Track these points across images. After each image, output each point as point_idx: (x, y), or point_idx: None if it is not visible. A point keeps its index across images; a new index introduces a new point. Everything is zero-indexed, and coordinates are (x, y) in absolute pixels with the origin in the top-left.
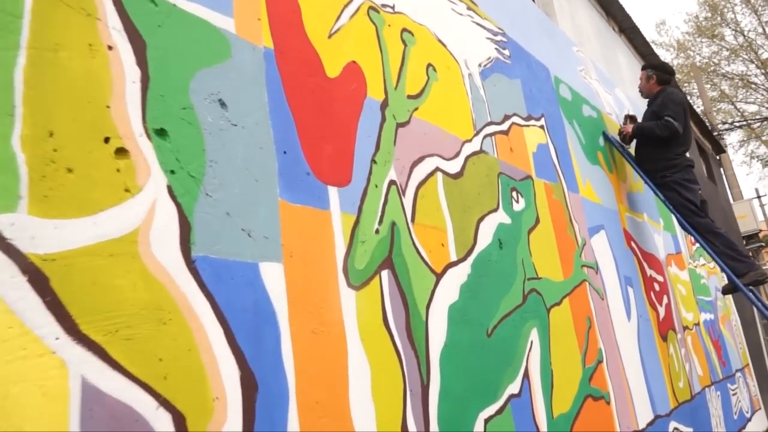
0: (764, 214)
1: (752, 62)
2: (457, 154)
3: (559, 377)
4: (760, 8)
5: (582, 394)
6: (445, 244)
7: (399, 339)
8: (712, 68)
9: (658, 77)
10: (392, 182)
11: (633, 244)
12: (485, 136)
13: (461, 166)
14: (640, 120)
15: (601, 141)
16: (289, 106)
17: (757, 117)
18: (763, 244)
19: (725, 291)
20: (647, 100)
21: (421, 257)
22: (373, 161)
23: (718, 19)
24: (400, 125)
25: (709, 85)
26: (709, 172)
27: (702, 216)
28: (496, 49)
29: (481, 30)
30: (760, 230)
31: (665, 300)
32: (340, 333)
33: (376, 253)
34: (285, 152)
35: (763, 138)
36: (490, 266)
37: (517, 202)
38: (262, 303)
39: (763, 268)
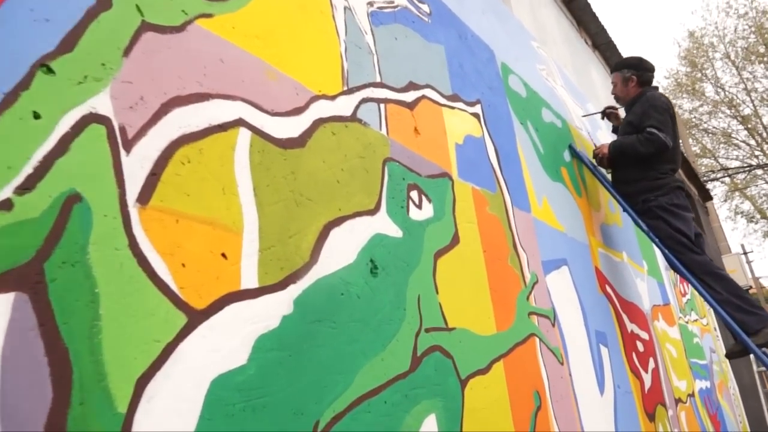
0: (752, 271)
1: (734, 118)
2: (297, 112)
3: None
4: (740, 64)
5: None
6: (233, 255)
7: None
8: (693, 123)
9: (639, 77)
10: (96, 118)
11: (609, 289)
12: (365, 100)
13: (303, 132)
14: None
15: (567, 156)
16: None
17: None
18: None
19: (732, 354)
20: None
21: (149, 273)
22: (44, 68)
23: (698, 74)
24: (152, 27)
25: (691, 140)
26: (696, 220)
27: (698, 252)
28: None
29: None
30: (750, 286)
31: (652, 364)
32: None
33: None
34: None
35: (747, 192)
36: (345, 304)
37: (419, 206)
38: None
39: None
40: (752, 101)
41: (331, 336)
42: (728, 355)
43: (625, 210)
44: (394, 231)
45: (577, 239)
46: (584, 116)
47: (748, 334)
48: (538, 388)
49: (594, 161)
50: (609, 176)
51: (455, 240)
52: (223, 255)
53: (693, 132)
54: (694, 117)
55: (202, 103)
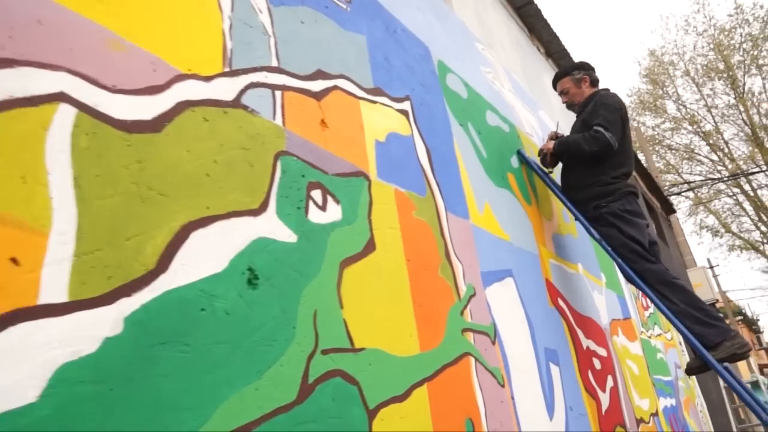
0: (718, 285)
1: (695, 134)
2: (153, 91)
3: None
4: (700, 81)
5: None
6: (29, 260)
7: None
8: (657, 140)
9: (590, 77)
10: None
11: (561, 303)
12: (255, 85)
13: (159, 115)
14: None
15: (515, 162)
16: None
17: (702, 183)
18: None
19: (691, 370)
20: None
21: None
22: None
23: (660, 92)
24: None
25: (655, 156)
26: (659, 232)
27: (652, 261)
28: None
29: None
30: (717, 300)
31: (610, 383)
32: None
33: None
34: None
35: (711, 207)
36: (207, 322)
37: (323, 208)
38: None
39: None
40: (713, 117)
41: (182, 362)
42: (688, 371)
43: (576, 217)
44: (286, 235)
45: (524, 249)
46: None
47: (707, 348)
48: (471, 414)
49: (539, 161)
50: (559, 183)
51: (370, 247)
52: (13, 260)
53: (656, 148)
54: (657, 133)
55: (1, 70)
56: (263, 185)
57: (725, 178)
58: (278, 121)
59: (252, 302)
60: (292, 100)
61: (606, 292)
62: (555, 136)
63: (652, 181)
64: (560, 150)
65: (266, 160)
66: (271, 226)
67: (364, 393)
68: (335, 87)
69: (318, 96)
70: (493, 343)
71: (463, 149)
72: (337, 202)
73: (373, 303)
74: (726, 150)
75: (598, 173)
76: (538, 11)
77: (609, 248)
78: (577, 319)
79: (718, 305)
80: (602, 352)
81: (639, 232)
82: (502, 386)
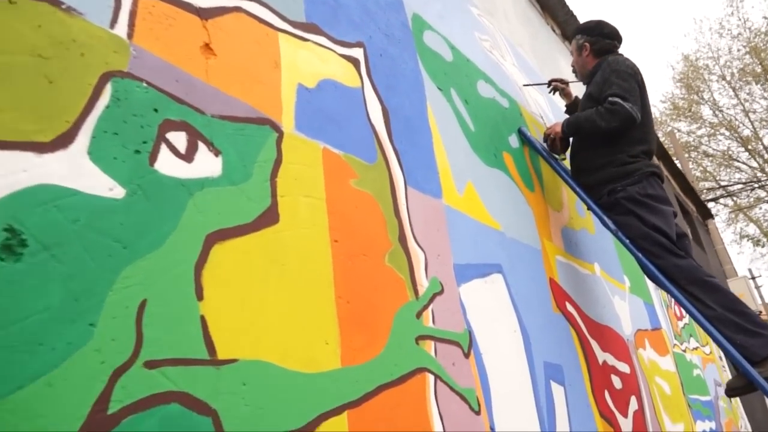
0: (761, 296)
1: (733, 140)
2: None
3: None
4: (736, 85)
5: None
6: None
7: None
8: (692, 146)
9: (593, 44)
10: None
11: (570, 308)
12: None
13: None
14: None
15: (514, 141)
16: None
17: (741, 188)
18: None
19: (733, 391)
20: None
21: None
22: None
23: (695, 97)
24: None
25: (691, 164)
26: (695, 238)
27: (681, 255)
28: None
29: None
30: (760, 312)
31: (634, 405)
32: None
33: None
34: None
35: (752, 215)
36: None
37: (187, 158)
38: None
39: None
40: (751, 122)
41: None
42: (729, 392)
43: (587, 205)
44: (101, 186)
45: (521, 241)
46: (526, 86)
47: (752, 363)
48: None
49: (546, 145)
50: (567, 166)
51: (268, 218)
52: None
53: (692, 155)
54: (693, 139)
55: None
56: (69, 112)
57: (765, 183)
58: (120, 31)
59: (9, 280)
60: (153, 9)
61: (630, 298)
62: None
63: (686, 181)
64: (571, 131)
65: (82, 78)
66: (72, 170)
67: (224, 428)
68: (237, 9)
69: (204, 14)
70: (467, 355)
71: (440, 117)
72: (217, 152)
73: (263, 295)
74: (766, 156)
75: (614, 152)
76: None
77: (627, 241)
78: (591, 327)
79: (762, 317)
80: (624, 368)
81: (664, 221)
82: (477, 413)
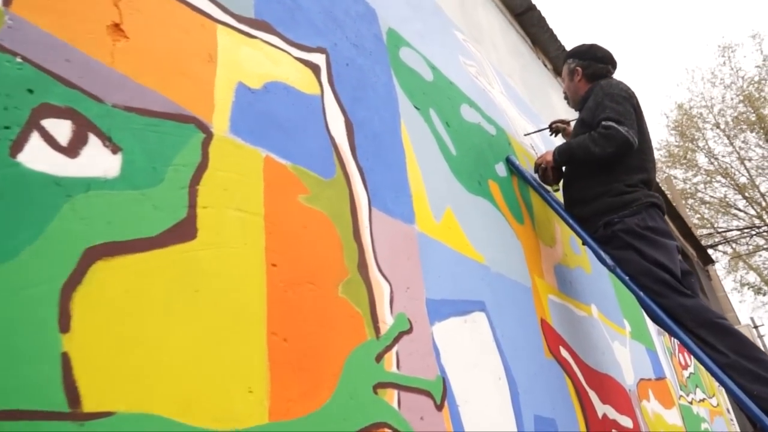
0: (764, 345)
1: (730, 187)
2: None
3: None
4: (731, 133)
5: None
6: None
7: None
8: (689, 193)
9: (585, 69)
10: None
11: (565, 353)
12: None
13: None
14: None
15: (502, 170)
16: None
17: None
18: None
19: None
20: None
21: None
22: None
23: (690, 144)
24: None
25: (689, 210)
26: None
27: (687, 294)
28: None
29: None
30: None
31: None
32: None
33: None
34: None
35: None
36: None
37: (70, 152)
38: None
39: None
40: (747, 170)
41: None
42: None
43: (581, 239)
44: None
45: (508, 277)
46: (527, 135)
47: None
48: None
49: (537, 176)
50: (561, 198)
51: (181, 232)
52: None
53: (690, 202)
54: (689, 187)
55: None
56: None
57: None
58: None
59: None
60: None
61: (631, 344)
62: (556, 127)
63: (685, 226)
64: (563, 159)
65: None
66: None
67: None
68: None
69: None
70: (440, 407)
71: (416, 136)
72: (116, 149)
73: (163, 328)
74: (764, 203)
75: (609, 181)
76: (542, 20)
77: (626, 278)
78: (588, 376)
79: None
80: (626, 422)
81: (667, 256)
82: None
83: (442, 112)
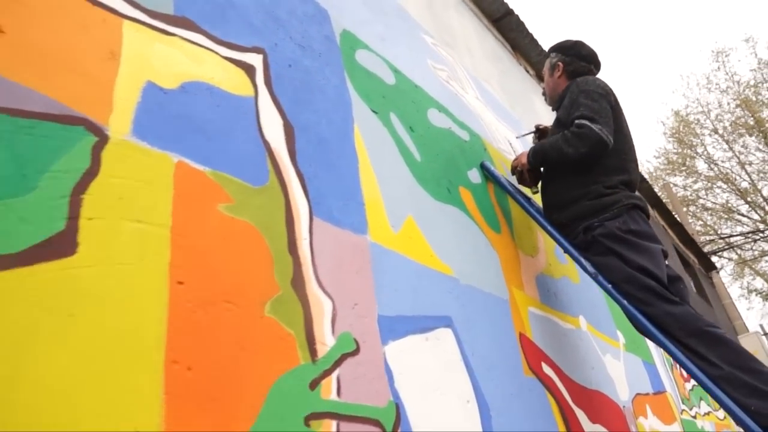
0: None
1: (732, 192)
2: None
3: None
4: (730, 138)
5: None
6: None
7: None
8: (690, 200)
9: (567, 65)
10: None
11: (548, 370)
12: None
13: None
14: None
15: (476, 177)
16: None
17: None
18: None
19: None
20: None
21: None
22: None
23: (688, 151)
24: None
25: (691, 218)
26: (699, 291)
27: (675, 301)
28: None
29: None
30: None
31: None
32: None
33: None
34: None
35: (758, 269)
36: None
37: None
38: None
39: None
40: (748, 174)
41: None
42: None
43: (559, 244)
44: None
45: (481, 289)
46: (519, 137)
47: (764, 428)
48: None
49: (514, 178)
50: (538, 202)
51: (56, 248)
52: None
53: (691, 209)
54: (690, 193)
55: None
56: None
57: (762, 232)
58: None
59: None
60: None
61: (626, 357)
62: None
63: (685, 232)
64: (537, 161)
65: None
66: None
67: None
68: None
69: None
70: None
71: (372, 142)
72: None
73: (24, 360)
74: (767, 208)
75: (587, 183)
76: (521, 24)
77: (609, 285)
78: (575, 393)
79: None
80: None
81: (651, 261)
82: None
83: (406, 116)
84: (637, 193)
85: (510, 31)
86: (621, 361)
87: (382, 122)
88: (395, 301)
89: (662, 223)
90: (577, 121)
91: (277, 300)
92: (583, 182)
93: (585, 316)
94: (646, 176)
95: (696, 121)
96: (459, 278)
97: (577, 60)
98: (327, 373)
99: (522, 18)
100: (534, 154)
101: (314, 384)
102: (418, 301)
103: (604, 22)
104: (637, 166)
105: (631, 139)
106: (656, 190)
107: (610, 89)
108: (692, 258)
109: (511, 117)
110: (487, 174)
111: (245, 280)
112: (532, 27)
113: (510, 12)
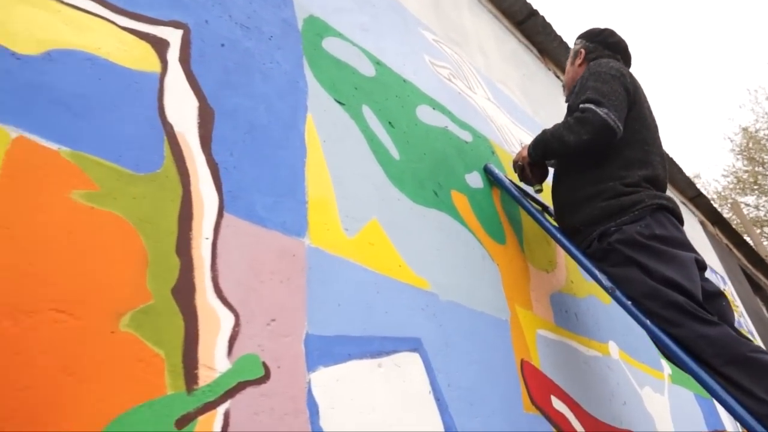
0: None
1: None
2: None
3: None
4: None
5: None
6: None
7: None
8: (765, 221)
9: (589, 53)
10: None
11: (558, 405)
12: None
13: None
14: None
15: (477, 181)
16: None
17: None
18: None
19: None
20: None
21: None
22: None
23: (760, 169)
24: None
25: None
26: None
27: (709, 321)
28: None
29: None
30: None
31: None
32: None
33: None
34: None
35: None
36: None
37: None
38: None
39: None
40: None
41: None
42: None
43: (567, 252)
44: None
45: (468, 306)
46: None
47: None
48: None
49: (517, 175)
50: (549, 207)
51: None
52: None
53: (766, 230)
54: (764, 214)
55: None
56: None
57: None
58: None
59: None
60: None
61: (672, 390)
62: None
63: (754, 253)
64: (538, 154)
65: None
66: None
67: None
68: None
69: None
70: None
71: (330, 134)
72: None
73: None
74: None
75: (602, 179)
76: (548, 26)
77: (628, 302)
78: None
79: None
80: None
81: (680, 271)
82: None
83: (384, 110)
84: (666, 193)
85: (536, 34)
86: (665, 395)
87: (350, 114)
88: (337, 318)
89: (725, 242)
90: (581, 105)
91: (144, 311)
92: (597, 178)
93: (617, 342)
94: (714, 196)
95: (766, 137)
96: (438, 293)
97: (601, 48)
98: (210, 406)
99: (550, 20)
100: (535, 146)
101: (185, 420)
102: (373, 319)
103: (661, 32)
104: (663, 160)
105: (655, 130)
106: (725, 212)
107: (627, 71)
108: (764, 280)
109: (532, 121)
110: (491, 178)
111: (95, 284)
112: (563, 29)
113: (534, 13)
